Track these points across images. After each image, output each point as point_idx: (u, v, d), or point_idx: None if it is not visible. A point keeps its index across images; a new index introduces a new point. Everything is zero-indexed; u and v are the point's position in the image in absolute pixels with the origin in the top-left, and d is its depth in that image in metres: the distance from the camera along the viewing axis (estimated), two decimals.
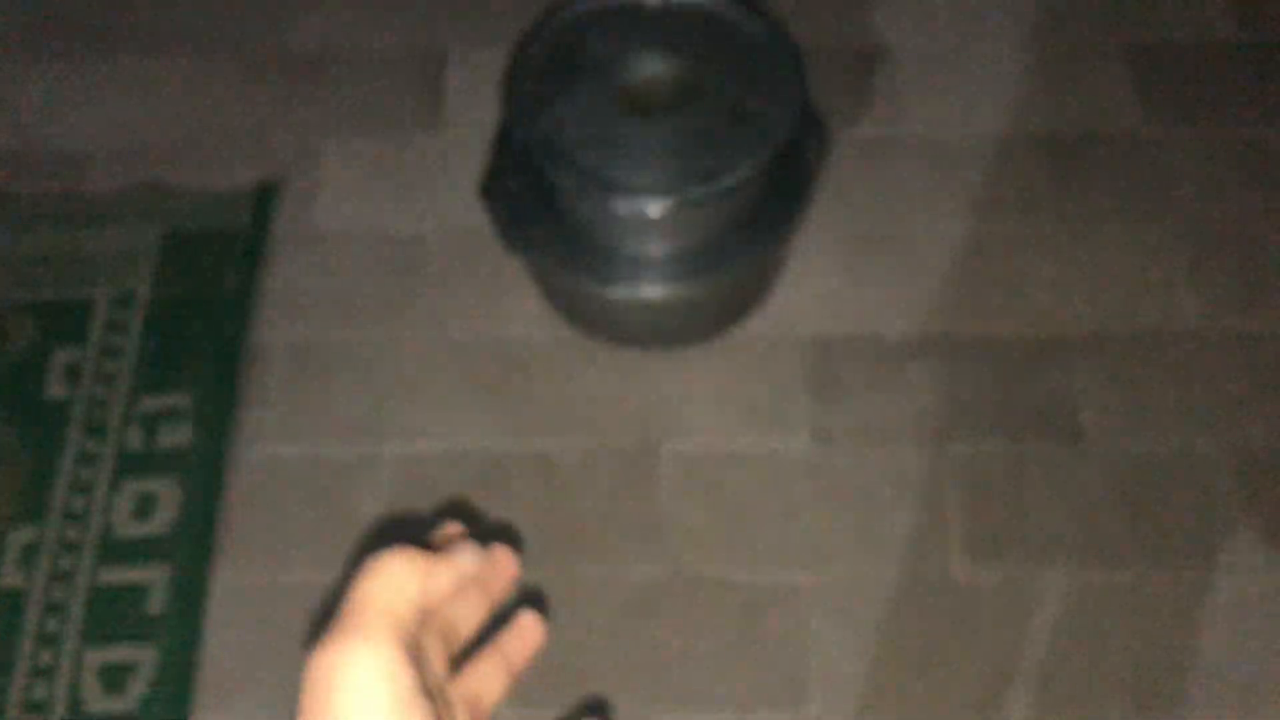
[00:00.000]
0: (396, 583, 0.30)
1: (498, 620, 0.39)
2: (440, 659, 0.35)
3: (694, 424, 1.26)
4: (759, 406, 1.27)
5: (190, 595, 1.17)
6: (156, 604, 1.17)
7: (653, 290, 1.13)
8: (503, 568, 0.37)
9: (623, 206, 1.04)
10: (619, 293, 1.13)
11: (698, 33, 1.14)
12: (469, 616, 0.36)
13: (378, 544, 0.33)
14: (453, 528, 0.36)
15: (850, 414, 1.25)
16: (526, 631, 0.39)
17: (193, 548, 1.20)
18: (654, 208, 1.04)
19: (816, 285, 1.34)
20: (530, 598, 1.18)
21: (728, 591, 1.16)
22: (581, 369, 1.30)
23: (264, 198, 1.44)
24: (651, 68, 1.13)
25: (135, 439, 1.27)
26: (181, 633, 1.15)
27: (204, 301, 1.36)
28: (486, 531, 1.01)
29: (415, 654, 0.30)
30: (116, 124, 1.51)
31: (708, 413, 1.27)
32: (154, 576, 1.18)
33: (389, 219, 1.42)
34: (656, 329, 1.28)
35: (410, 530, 1.15)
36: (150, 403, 1.29)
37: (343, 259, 1.40)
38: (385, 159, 1.47)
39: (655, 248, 1.13)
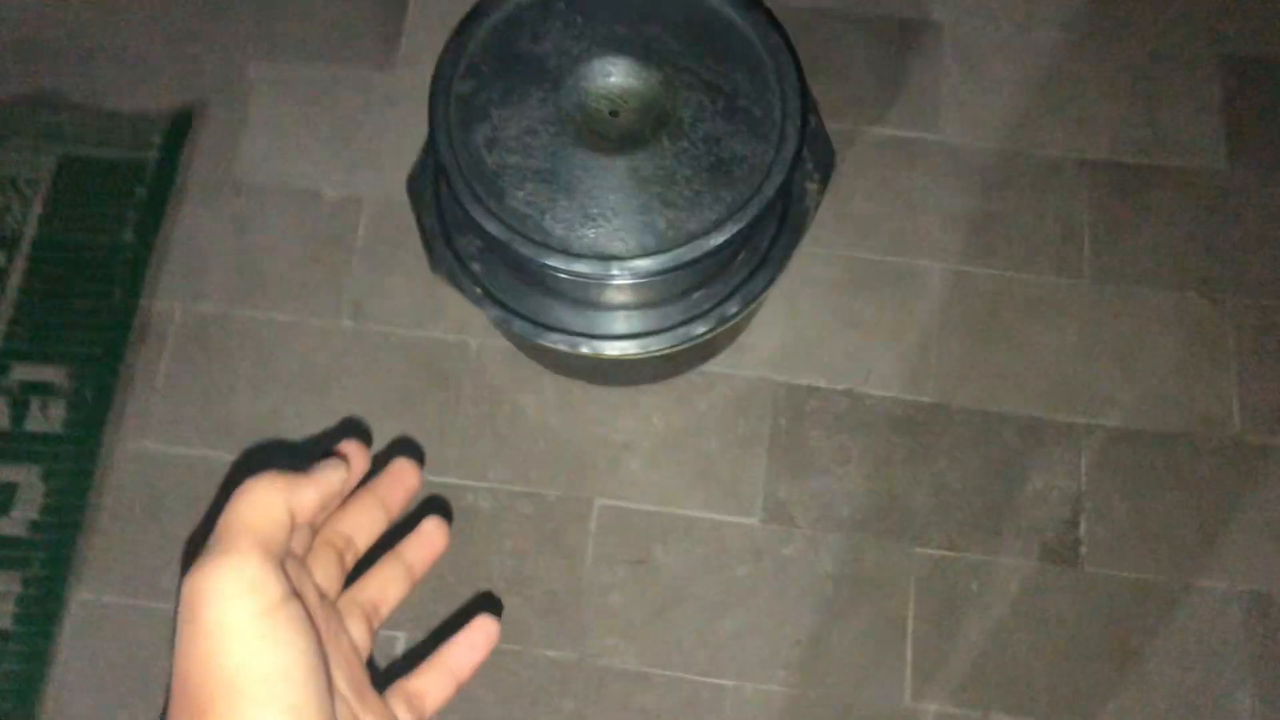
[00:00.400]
0: (261, 503, 0.31)
1: (401, 529, 0.40)
2: (332, 571, 0.36)
3: (635, 478, 1.09)
4: (711, 465, 1.10)
5: (42, 612, 1.04)
6: (2, 619, 1.04)
7: (596, 347, 0.94)
8: (401, 479, 0.39)
9: (561, 270, 0.84)
10: (556, 342, 0.94)
11: (678, 32, 0.91)
12: (366, 528, 0.38)
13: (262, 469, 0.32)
14: (347, 445, 0.36)
15: (811, 489, 1.08)
16: (428, 537, 0.40)
17: (52, 555, 1.06)
18: (598, 274, 0.84)
19: (799, 321, 1.14)
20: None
21: (638, 689, 1.02)
22: (517, 394, 1.13)
23: (177, 128, 1.23)
24: (616, 78, 0.90)
25: (1, 415, 1.11)
26: (27, 655, 1.03)
27: (96, 252, 1.17)
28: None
29: (289, 567, 0.32)
30: (14, 17, 1.28)
31: (653, 466, 1.10)
32: (3, 586, 1.05)
33: (320, 174, 1.22)
34: (603, 373, 1.09)
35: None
36: (22, 372, 1.13)
37: (260, 217, 1.20)
38: (326, 97, 1.25)
39: (603, 301, 0.94)
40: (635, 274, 0.84)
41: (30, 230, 1.18)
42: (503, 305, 0.96)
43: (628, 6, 0.92)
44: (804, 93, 0.89)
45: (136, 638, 1.04)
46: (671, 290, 0.93)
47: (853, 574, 1.06)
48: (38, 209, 1.19)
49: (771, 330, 1.14)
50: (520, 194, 0.86)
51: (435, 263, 0.98)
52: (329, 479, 0.34)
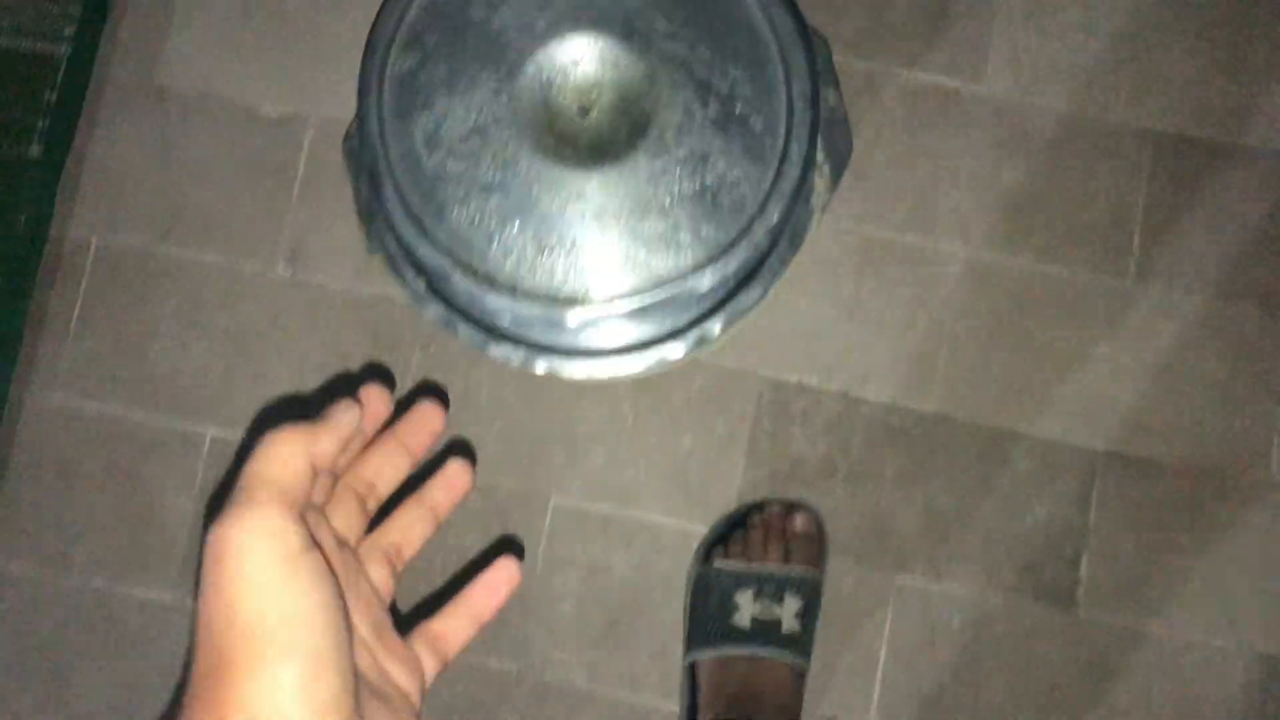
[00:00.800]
0: (280, 455, 0.31)
1: (425, 472, 0.39)
2: (353, 517, 0.37)
3: (597, 475, 0.99)
4: (683, 467, 0.99)
5: None
6: None
7: (555, 366, 0.82)
8: (425, 423, 0.39)
9: (504, 314, 0.71)
10: (507, 357, 0.82)
11: (669, 7, 0.73)
12: (388, 473, 0.38)
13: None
14: (368, 389, 0.36)
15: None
16: (452, 478, 0.39)
17: None
18: (548, 319, 0.71)
19: (794, 306, 1.00)
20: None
21: (583, 709, 0.95)
22: (471, 368, 1.00)
23: (94, 15, 1.05)
24: (588, 65, 0.73)
25: None
26: None
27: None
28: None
29: (307, 516, 0.32)
30: None
31: (618, 463, 0.99)
32: None
33: (258, 83, 1.05)
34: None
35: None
36: None
37: (188, 134, 1.04)
38: None
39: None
40: (593, 320, 0.71)
41: None
42: (448, 304, 0.83)
43: None
44: (816, 103, 0.72)
45: (45, 614, 0.97)
46: (647, 316, 0.80)
47: (825, 598, 0.97)
48: None
49: (763, 316, 1.00)
50: (463, 211, 0.72)
51: (372, 243, 0.84)
52: (343, 421, 0.34)
